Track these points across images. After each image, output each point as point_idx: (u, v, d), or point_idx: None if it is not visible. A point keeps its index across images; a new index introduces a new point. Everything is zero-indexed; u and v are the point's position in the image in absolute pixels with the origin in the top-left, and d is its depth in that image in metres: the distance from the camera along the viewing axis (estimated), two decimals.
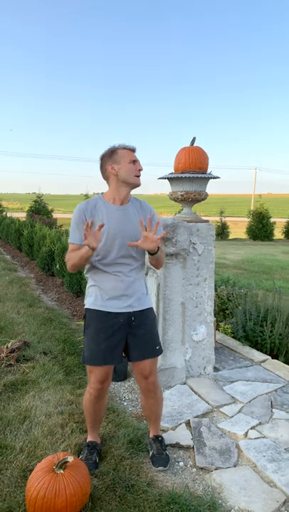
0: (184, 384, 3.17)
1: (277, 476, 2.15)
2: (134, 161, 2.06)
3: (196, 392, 3.04)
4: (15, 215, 17.14)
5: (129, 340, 2.15)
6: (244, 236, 18.93)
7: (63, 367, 3.36)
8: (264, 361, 3.62)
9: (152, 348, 2.18)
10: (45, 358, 3.49)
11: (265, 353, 3.85)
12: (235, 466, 2.26)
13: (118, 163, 2.05)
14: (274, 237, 18.45)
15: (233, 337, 4.15)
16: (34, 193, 16.11)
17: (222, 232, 18.71)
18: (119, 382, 3.21)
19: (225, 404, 2.87)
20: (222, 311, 4.71)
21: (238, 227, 22.49)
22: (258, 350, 3.88)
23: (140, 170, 2.09)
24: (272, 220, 18.59)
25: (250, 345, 3.96)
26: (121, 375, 3.24)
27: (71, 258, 2.03)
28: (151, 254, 2.05)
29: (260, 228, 18.16)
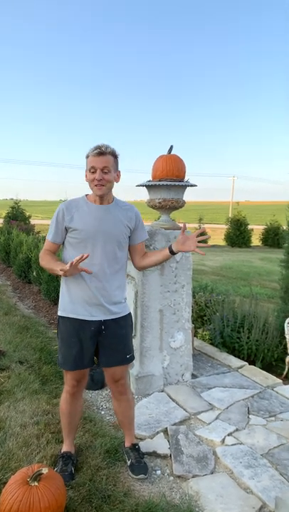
0: (162, 391, 3.16)
1: (254, 482, 2.17)
2: (94, 170, 2.00)
3: (173, 400, 3.03)
4: None
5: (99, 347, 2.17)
6: (222, 243, 19.15)
7: (39, 376, 3.31)
8: (241, 367, 3.65)
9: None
10: (21, 368, 3.43)
11: (243, 359, 3.89)
12: (212, 473, 2.26)
13: (86, 170, 2.06)
14: (251, 244, 18.73)
15: (211, 343, 4.17)
16: (11, 198, 15.91)
17: None
18: (96, 391, 3.18)
19: (202, 411, 2.88)
20: (200, 318, 4.73)
21: (217, 234, 22.73)
22: (235, 356, 3.91)
23: (98, 179, 1.98)
24: (249, 227, 18.90)
25: (227, 352, 3.98)
26: (98, 384, 3.20)
27: (44, 260, 2.09)
28: (172, 253, 2.19)
29: (238, 235, 18.42)
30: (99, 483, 2.11)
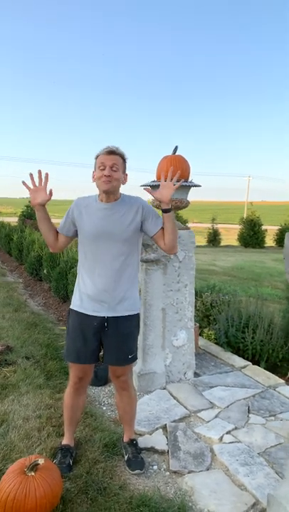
0: (164, 389, 3.20)
1: (248, 479, 2.19)
2: (103, 167, 2.05)
3: (174, 397, 3.07)
4: (8, 219, 17.12)
5: (103, 343, 2.22)
6: (236, 243, 19.06)
7: (44, 371, 3.38)
8: (244, 367, 3.66)
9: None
10: (27, 363, 3.51)
11: (247, 359, 3.89)
12: (208, 469, 2.29)
13: (95, 169, 2.12)
14: (265, 245, 18.59)
15: (216, 343, 4.19)
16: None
17: (214, 238, 18.83)
18: (99, 387, 3.24)
19: (202, 409, 2.91)
20: (206, 317, 4.75)
21: (230, 234, 22.62)
22: (240, 356, 3.92)
23: (106, 176, 2.03)
24: (263, 227, 18.77)
25: (232, 352, 3.99)
26: (101, 380, 3.26)
27: None
28: (165, 211, 2.07)
29: (252, 235, 18.32)
30: (96, 475, 2.17)
